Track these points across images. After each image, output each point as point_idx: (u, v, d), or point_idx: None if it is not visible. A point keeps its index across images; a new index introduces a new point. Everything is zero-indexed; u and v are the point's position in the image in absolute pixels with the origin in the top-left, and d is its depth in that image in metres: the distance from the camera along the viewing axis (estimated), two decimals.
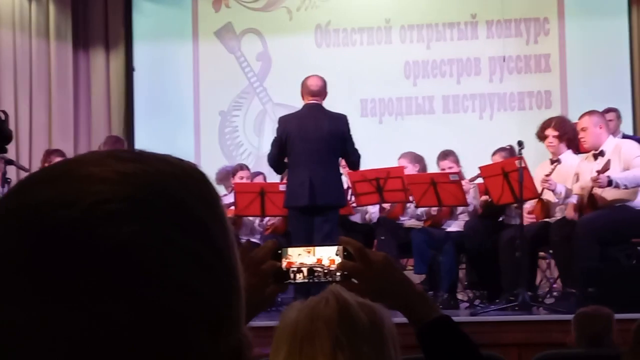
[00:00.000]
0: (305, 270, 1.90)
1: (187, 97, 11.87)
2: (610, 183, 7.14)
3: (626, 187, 7.20)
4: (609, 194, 7.28)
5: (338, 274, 1.89)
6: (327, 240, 7.55)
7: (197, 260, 0.81)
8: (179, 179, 0.83)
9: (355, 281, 1.86)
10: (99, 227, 0.77)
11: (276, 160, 7.96)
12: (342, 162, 8.36)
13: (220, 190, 9.60)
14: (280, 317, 1.76)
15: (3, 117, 5.12)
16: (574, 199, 7.52)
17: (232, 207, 8.92)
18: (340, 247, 1.89)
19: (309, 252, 1.91)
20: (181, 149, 11.35)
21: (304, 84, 7.98)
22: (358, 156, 7.91)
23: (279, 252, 1.88)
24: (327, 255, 1.91)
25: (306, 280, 1.91)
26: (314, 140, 7.70)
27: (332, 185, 7.76)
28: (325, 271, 1.90)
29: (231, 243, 0.86)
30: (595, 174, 7.22)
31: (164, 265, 0.79)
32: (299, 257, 1.90)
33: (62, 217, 0.77)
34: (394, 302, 1.82)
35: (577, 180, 7.62)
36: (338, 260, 1.89)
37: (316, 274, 1.91)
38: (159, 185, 0.81)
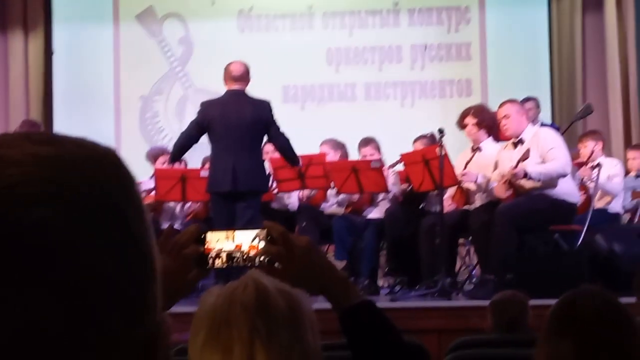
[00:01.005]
0: (224, 255, 1.89)
1: (108, 81, 11.73)
2: (525, 175, 7.28)
3: (539, 181, 7.34)
4: (527, 182, 7.39)
5: (258, 259, 1.89)
6: (248, 226, 7.54)
7: (111, 244, 0.80)
8: (94, 162, 0.83)
9: (278, 265, 1.86)
10: (11, 210, 0.76)
11: (183, 143, 7.87)
12: (266, 148, 8.36)
13: (144, 170, 9.54)
14: (200, 302, 1.76)
15: None
16: (494, 185, 7.62)
17: (153, 193, 8.86)
18: (263, 232, 1.88)
19: (228, 237, 1.90)
20: (101, 134, 11.22)
21: (226, 70, 7.93)
22: (285, 139, 7.86)
23: (202, 237, 1.87)
24: (247, 241, 1.91)
25: (226, 265, 1.90)
26: (237, 126, 7.67)
27: (255, 171, 7.74)
28: (245, 257, 1.90)
29: (147, 228, 0.85)
30: (515, 162, 7.34)
31: (77, 249, 0.78)
32: (217, 242, 1.89)
33: None
34: (316, 286, 1.83)
35: (496, 168, 7.72)
36: (260, 245, 1.89)
37: (235, 259, 1.90)
38: (73, 168, 0.81)
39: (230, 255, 1.90)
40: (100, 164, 0.83)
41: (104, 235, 0.80)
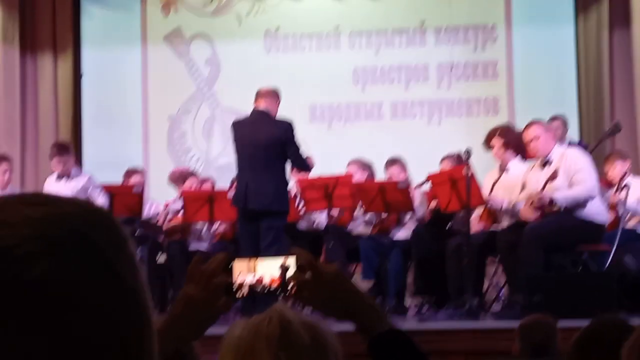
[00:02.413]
0: (246, 289, 1.91)
1: (136, 102, 11.80)
2: (551, 202, 7.26)
3: (565, 208, 7.30)
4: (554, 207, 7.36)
5: (280, 290, 1.90)
6: (271, 248, 7.58)
7: (103, 296, 0.86)
8: (88, 221, 0.89)
9: (305, 294, 1.86)
10: (9, 270, 0.82)
11: None
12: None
13: (172, 190, 9.59)
14: (225, 334, 1.77)
15: None
16: (522, 205, 7.59)
17: (181, 214, 8.90)
18: (289, 260, 1.89)
19: (250, 269, 1.91)
20: (129, 154, 11.31)
21: (257, 92, 8.07)
22: (301, 161, 7.93)
23: (230, 266, 1.88)
24: (269, 272, 1.92)
25: (254, 292, 1.91)
26: (253, 145, 7.78)
27: (269, 190, 7.76)
28: (266, 290, 1.91)
29: (141, 281, 0.90)
30: (542, 183, 7.32)
31: (72, 302, 0.83)
32: (240, 274, 1.90)
33: None
34: (344, 313, 1.83)
35: (524, 188, 7.69)
36: (278, 275, 1.90)
37: (256, 293, 1.92)
38: (67, 226, 0.86)
39: (252, 289, 1.91)
40: (93, 222, 0.89)
41: (96, 288, 0.85)
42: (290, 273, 1.88)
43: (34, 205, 0.87)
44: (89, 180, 8.77)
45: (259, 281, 1.91)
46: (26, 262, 0.82)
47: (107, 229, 0.90)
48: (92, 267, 0.86)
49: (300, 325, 1.72)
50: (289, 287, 1.88)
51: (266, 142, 7.73)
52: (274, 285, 1.91)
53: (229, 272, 1.88)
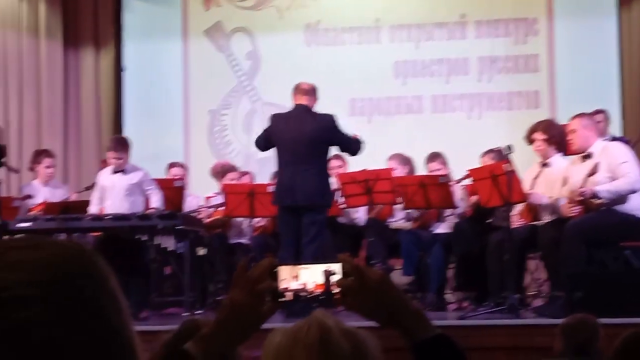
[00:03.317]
0: (290, 295, 1.92)
1: (177, 96, 11.87)
2: (594, 195, 7.20)
3: (608, 201, 7.24)
4: (596, 200, 7.30)
5: (322, 298, 1.91)
6: (313, 243, 7.59)
7: (88, 333, 0.91)
8: (74, 263, 0.94)
9: (350, 300, 1.87)
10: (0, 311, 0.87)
11: (261, 144, 8.11)
12: (332, 163, 8.40)
13: (213, 184, 9.64)
14: (266, 340, 1.78)
15: None
16: (564, 201, 7.55)
17: (222, 208, 8.94)
18: (334, 266, 1.90)
19: (294, 275, 1.92)
20: (170, 148, 11.38)
21: (296, 86, 8.03)
22: (352, 145, 7.94)
23: (275, 271, 1.89)
24: (313, 279, 1.92)
25: (298, 297, 1.92)
26: (297, 140, 7.75)
27: (315, 185, 7.76)
28: (309, 296, 1.92)
29: (124, 318, 0.96)
30: (583, 177, 7.26)
31: (61, 343, 0.88)
32: (284, 281, 1.91)
33: None
34: (389, 319, 1.83)
35: (565, 183, 7.64)
36: (321, 281, 1.90)
37: (300, 299, 1.92)
38: (54, 270, 0.92)
39: (296, 295, 1.92)
40: (75, 263, 0.94)
41: (81, 325, 0.91)
42: (334, 279, 1.89)
43: (24, 249, 0.93)
44: (145, 175, 8.81)
45: (303, 287, 1.92)
46: (15, 306, 0.87)
47: (91, 270, 0.95)
48: (78, 309, 0.91)
49: (340, 333, 1.72)
50: (334, 293, 1.88)
51: (311, 136, 7.73)
52: (318, 291, 1.92)
53: (274, 277, 1.89)
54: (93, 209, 8.78)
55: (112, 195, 8.74)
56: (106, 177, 8.82)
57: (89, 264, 0.95)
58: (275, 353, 1.73)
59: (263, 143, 8.05)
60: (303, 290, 1.91)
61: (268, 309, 1.85)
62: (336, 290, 1.87)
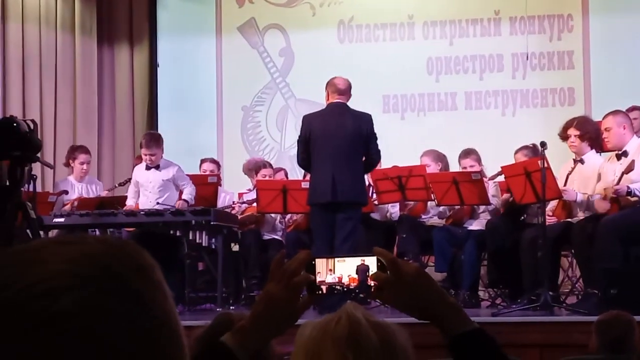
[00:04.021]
0: (324, 288, 1.92)
1: (210, 92, 11.92)
2: (629, 193, 7.16)
3: None
4: (631, 198, 7.25)
5: (357, 291, 1.91)
6: (349, 239, 7.59)
7: (139, 326, 0.92)
8: (115, 256, 0.95)
9: (386, 293, 1.87)
10: (34, 303, 0.89)
11: (305, 158, 7.95)
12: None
13: (246, 180, 9.66)
14: (297, 333, 1.79)
15: (32, 127, 5.17)
16: (598, 197, 7.50)
17: (255, 204, 8.96)
18: (368, 259, 1.90)
19: (329, 269, 1.92)
20: (204, 144, 11.42)
21: (329, 83, 8.00)
22: (379, 157, 7.94)
23: (312, 263, 1.89)
24: (347, 273, 1.92)
25: (334, 291, 1.92)
26: (337, 138, 7.72)
27: (355, 182, 7.77)
28: (344, 289, 1.92)
29: (168, 307, 0.97)
30: (619, 175, 7.22)
31: (104, 332, 0.90)
32: (318, 275, 1.91)
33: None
34: (426, 312, 1.83)
35: (599, 180, 7.60)
36: (356, 275, 1.90)
37: (335, 292, 1.93)
38: (96, 262, 0.93)
39: (331, 289, 1.92)
40: (117, 256, 0.95)
41: (126, 316, 0.92)
42: (370, 272, 1.89)
43: (68, 245, 0.95)
44: (179, 170, 8.86)
45: (339, 280, 1.92)
46: (55, 295, 0.89)
47: (136, 262, 0.97)
48: (119, 297, 0.92)
49: (370, 325, 1.72)
50: (369, 286, 1.88)
51: (353, 133, 7.73)
52: (353, 284, 1.92)
53: (311, 270, 1.89)
54: (129, 202, 8.86)
55: (146, 190, 8.80)
56: (141, 173, 8.88)
57: (134, 256, 0.97)
58: (305, 346, 1.73)
59: (305, 155, 7.94)
60: (338, 283, 1.92)
61: (304, 302, 1.86)
62: (371, 283, 1.88)
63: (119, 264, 0.94)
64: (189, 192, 8.76)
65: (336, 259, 1.94)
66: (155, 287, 0.96)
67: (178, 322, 0.98)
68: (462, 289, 8.24)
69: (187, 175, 9.02)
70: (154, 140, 8.89)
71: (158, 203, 8.61)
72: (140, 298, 0.93)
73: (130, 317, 0.91)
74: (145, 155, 8.78)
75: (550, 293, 7.28)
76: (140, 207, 8.68)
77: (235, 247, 9.10)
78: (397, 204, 8.88)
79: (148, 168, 8.82)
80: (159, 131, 11.77)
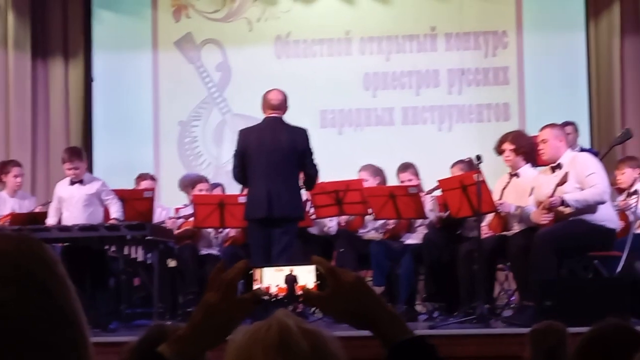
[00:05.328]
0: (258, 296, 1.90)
1: (147, 107, 11.83)
2: (562, 203, 7.25)
3: (577, 209, 7.28)
4: (565, 209, 7.34)
5: (286, 301, 1.90)
6: (284, 253, 7.57)
7: (43, 313, 1.01)
8: (21, 251, 1.03)
9: (323, 303, 1.85)
10: None
11: (240, 172, 7.92)
12: (302, 174, 8.38)
13: (182, 196, 9.59)
14: (228, 340, 1.77)
15: None
16: (533, 208, 7.57)
17: (192, 219, 8.91)
18: (296, 269, 1.88)
19: (255, 280, 1.90)
20: (140, 159, 11.33)
21: (264, 98, 7.96)
22: (316, 171, 7.88)
23: (250, 273, 1.88)
24: (275, 282, 1.90)
25: (269, 299, 1.90)
26: (273, 153, 7.70)
27: (290, 197, 7.75)
28: (272, 299, 1.90)
29: (71, 299, 1.05)
30: (553, 187, 7.30)
31: (10, 320, 0.97)
32: (255, 283, 1.89)
33: None
34: (364, 321, 1.82)
35: (531, 194, 7.67)
36: (284, 285, 1.88)
37: (265, 302, 1.91)
38: (5, 257, 1.01)
39: (260, 297, 1.90)
40: (23, 251, 1.03)
41: (33, 304, 1.00)
42: (298, 282, 1.88)
43: None
44: (103, 185, 8.72)
45: (266, 290, 1.90)
46: None
47: (41, 256, 1.04)
48: (25, 288, 1.00)
49: (300, 332, 1.70)
50: (297, 297, 1.87)
51: (287, 148, 7.70)
52: (281, 294, 1.90)
53: (248, 280, 1.87)
54: (50, 220, 8.66)
55: (70, 206, 8.63)
56: (64, 188, 8.72)
57: (39, 251, 1.04)
58: (235, 353, 1.71)
59: (240, 169, 7.90)
60: (266, 292, 1.90)
61: (242, 311, 1.84)
62: (299, 293, 1.86)
63: (25, 258, 1.02)
64: (116, 210, 8.60)
65: (264, 269, 1.92)
66: (59, 280, 1.04)
67: (80, 312, 1.06)
68: (399, 302, 8.26)
69: (123, 190, 8.92)
70: (75, 153, 8.74)
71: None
72: (45, 289, 1.01)
73: (37, 306, 0.99)
74: (70, 169, 8.60)
75: (487, 306, 7.34)
76: (65, 223, 8.50)
77: (173, 263, 9.02)
78: (335, 218, 8.89)
79: (72, 183, 8.65)
80: (95, 148, 11.69)
